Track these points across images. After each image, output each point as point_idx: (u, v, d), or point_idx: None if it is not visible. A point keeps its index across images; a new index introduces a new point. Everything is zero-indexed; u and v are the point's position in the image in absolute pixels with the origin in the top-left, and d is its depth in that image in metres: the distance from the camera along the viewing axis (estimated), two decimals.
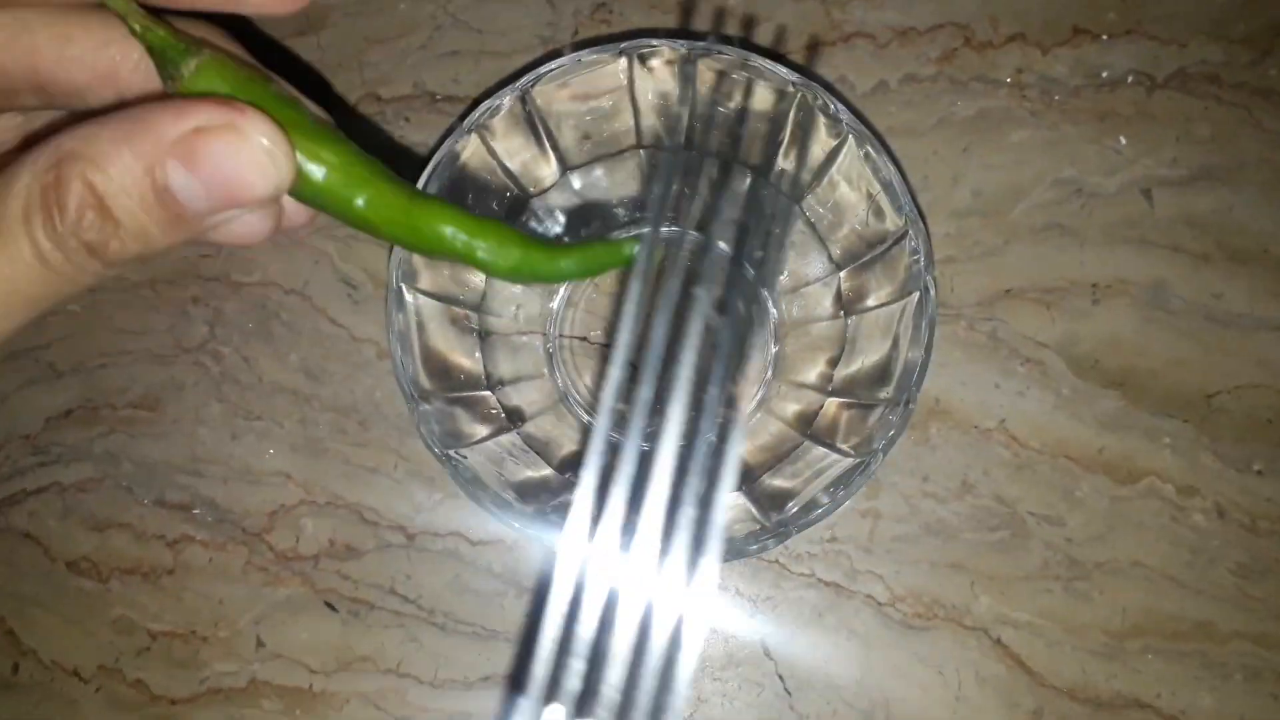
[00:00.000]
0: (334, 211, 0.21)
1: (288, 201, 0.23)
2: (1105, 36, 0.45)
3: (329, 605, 0.43)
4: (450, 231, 0.22)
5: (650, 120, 0.41)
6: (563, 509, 0.38)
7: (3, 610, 0.45)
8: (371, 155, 0.22)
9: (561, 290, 0.44)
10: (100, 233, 0.19)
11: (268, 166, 0.19)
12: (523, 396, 0.42)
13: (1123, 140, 0.44)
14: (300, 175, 0.20)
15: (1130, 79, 0.44)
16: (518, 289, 0.42)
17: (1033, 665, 0.41)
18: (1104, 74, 0.44)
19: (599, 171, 0.43)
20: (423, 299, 0.37)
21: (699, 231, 0.24)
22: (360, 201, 0.21)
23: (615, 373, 0.21)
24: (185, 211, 0.19)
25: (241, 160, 0.19)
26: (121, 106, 0.20)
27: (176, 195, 0.19)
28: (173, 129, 0.19)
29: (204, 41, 0.20)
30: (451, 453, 0.35)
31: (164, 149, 0.19)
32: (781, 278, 0.43)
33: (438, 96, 0.45)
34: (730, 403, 0.21)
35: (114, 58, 0.22)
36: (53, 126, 0.24)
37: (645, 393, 0.20)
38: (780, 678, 0.42)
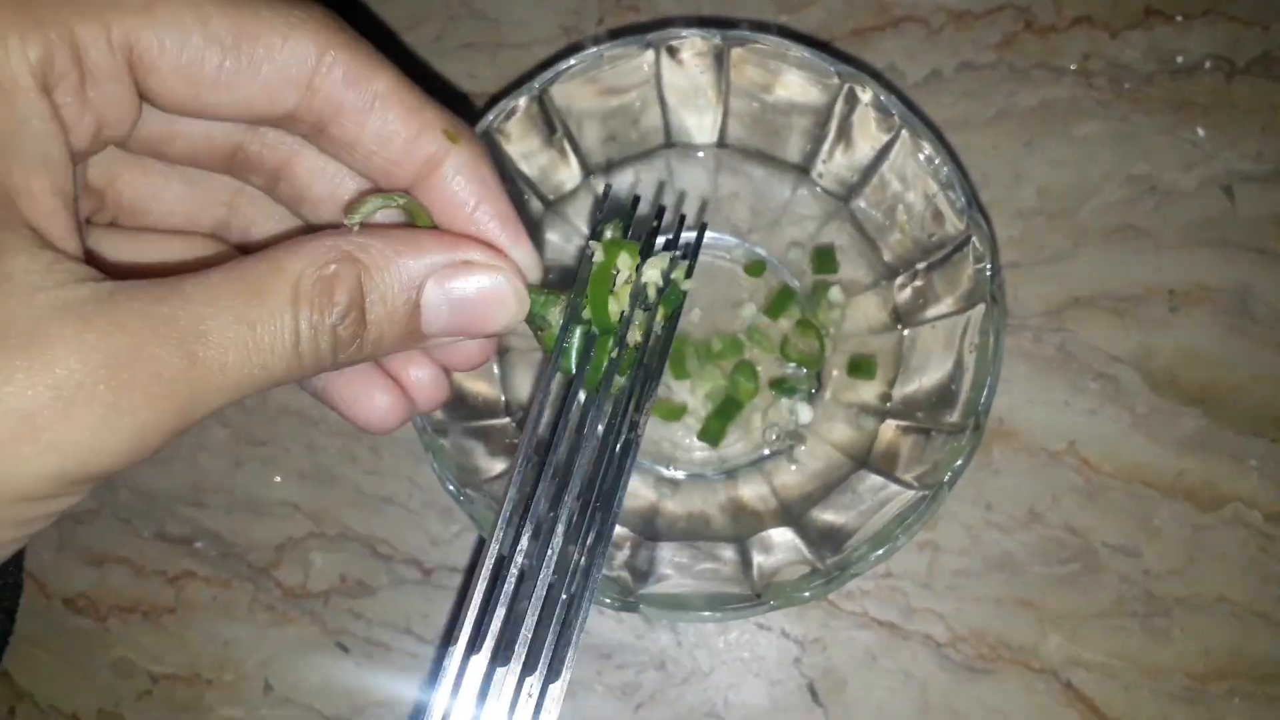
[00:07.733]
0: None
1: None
2: (1180, 18, 0.41)
3: (341, 646, 0.40)
4: None
5: (680, 118, 0.38)
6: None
7: None
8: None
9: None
10: (351, 333, 0.20)
11: (512, 309, 0.22)
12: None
13: (1201, 132, 0.40)
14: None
15: (1208, 64, 0.41)
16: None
17: (1108, 711, 0.38)
18: (1179, 59, 0.41)
19: (625, 175, 0.40)
20: None
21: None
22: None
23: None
24: (423, 329, 0.21)
25: (492, 297, 0.22)
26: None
27: (424, 312, 0.21)
28: (444, 256, 0.21)
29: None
30: (469, 490, 0.32)
31: (430, 270, 0.21)
32: (834, 287, 0.39)
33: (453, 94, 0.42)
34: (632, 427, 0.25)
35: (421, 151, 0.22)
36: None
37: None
38: None
